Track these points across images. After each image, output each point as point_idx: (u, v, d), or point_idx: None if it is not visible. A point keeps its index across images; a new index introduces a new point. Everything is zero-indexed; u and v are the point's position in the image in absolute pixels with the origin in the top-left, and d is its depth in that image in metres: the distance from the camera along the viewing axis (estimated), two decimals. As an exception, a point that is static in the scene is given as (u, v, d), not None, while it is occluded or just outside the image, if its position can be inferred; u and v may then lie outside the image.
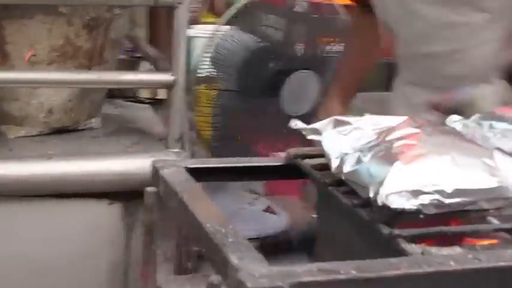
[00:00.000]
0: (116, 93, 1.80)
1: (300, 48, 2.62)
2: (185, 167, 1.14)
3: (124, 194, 1.24)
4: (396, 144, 0.98)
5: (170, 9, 1.20)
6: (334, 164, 1.02)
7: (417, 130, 1.02)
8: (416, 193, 0.91)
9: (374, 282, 0.77)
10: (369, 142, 1.02)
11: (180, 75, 1.22)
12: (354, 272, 0.77)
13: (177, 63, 1.21)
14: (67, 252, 1.24)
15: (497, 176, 0.96)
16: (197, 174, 1.11)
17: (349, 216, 0.99)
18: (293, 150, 1.19)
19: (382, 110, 1.86)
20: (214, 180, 1.16)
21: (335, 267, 0.77)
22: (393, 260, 0.81)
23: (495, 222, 0.96)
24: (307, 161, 1.14)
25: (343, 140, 1.05)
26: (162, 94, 1.78)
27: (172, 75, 1.22)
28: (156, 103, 1.79)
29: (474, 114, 1.18)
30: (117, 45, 1.42)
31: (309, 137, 1.08)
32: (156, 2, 1.18)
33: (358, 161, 0.99)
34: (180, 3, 1.19)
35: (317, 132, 1.08)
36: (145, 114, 1.61)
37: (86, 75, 1.28)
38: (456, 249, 0.89)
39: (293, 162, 1.16)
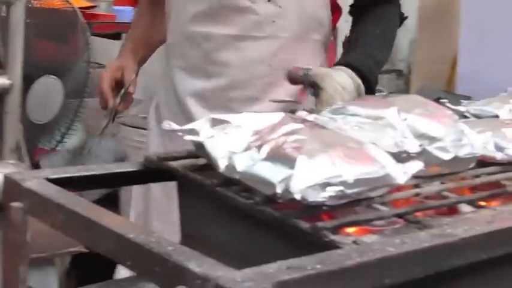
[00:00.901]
0: None
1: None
2: (47, 178, 1.05)
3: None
4: (289, 139, 1.00)
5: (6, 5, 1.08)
6: (222, 163, 1.01)
7: (301, 125, 1.05)
8: (324, 185, 0.94)
9: (338, 274, 0.78)
10: (256, 140, 1.02)
11: (17, 78, 1.11)
12: (319, 266, 0.78)
13: (13, 65, 1.09)
14: None
15: (379, 165, 1.02)
16: (62, 185, 1.03)
17: (249, 215, 0.98)
18: (152, 154, 1.15)
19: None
20: (80, 190, 1.08)
21: (299, 263, 0.77)
22: (340, 251, 0.83)
23: (383, 208, 1.02)
24: (176, 163, 1.11)
25: (226, 139, 1.04)
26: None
27: (8, 78, 1.10)
28: None
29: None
30: None
31: (186, 138, 1.06)
32: (-8, -2, 1.06)
33: (252, 158, 0.99)
34: (17, 0, 1.08)
35: (194, 132, 1.06)
36: None
37: None
38: (372, 237, 0.94)
39: (156, 166, 1.12)
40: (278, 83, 1.69)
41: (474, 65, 4.26)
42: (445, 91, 4.74)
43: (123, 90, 1.85)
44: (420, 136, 1.13)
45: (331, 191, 0.94)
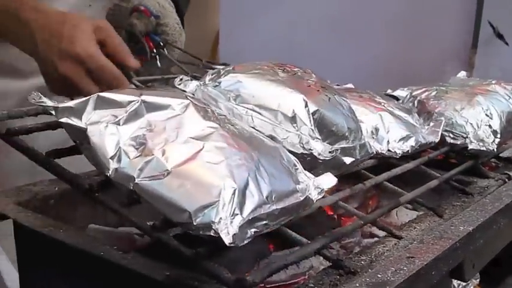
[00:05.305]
0: None
1: None
2: None
3: None
4: (206, 147, 0.78)
5: None
6: (113, 165, 0.77)
7: (214, 124, 0.83)
8: (252, 221, 0.75)
9: None
10: (156, 137, 0.78)
11: None
12: None
13: None
14: None
15: (295, 180, 0.85)
16: None
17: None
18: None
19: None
20: None
21: None
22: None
23: (296, 236, 0.86)
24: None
25: (117, 130, 0.79)
26: None
27: None
28: None
29: None
30: None
31: (62, 120, 0.78)
32: None
33: (156, 168, 0.76)
34: None
35: (74, 113, 0.79)
36: None
37: None
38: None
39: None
40: None
41: (236, 44, 4.12)
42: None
43: None
44: (326, 134, 0.97)
45: (258, 227, 0.75)
